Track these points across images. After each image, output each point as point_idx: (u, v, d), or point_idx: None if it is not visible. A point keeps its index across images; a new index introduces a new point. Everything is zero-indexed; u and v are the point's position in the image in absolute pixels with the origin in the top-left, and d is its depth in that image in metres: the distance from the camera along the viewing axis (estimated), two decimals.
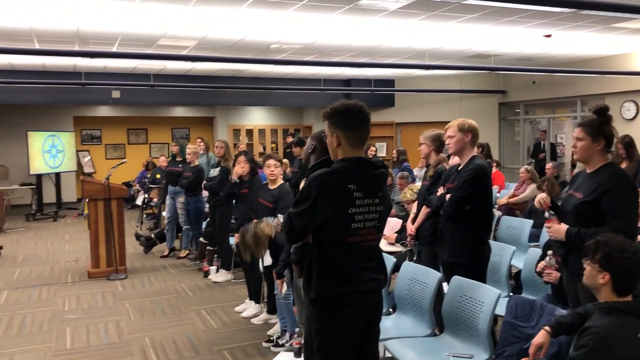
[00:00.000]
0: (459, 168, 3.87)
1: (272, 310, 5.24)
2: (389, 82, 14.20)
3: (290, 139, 12.71)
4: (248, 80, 13.23)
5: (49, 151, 12.74)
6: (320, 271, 2.44)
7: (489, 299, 3.30)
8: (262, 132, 16.35)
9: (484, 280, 3.72)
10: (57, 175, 13.23)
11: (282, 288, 4.29)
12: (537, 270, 3.47)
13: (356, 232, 2.45)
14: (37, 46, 8.49)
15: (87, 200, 7.13)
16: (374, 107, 13.94)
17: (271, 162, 5.40)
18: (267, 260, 4.91)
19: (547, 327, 2.62)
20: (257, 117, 16.38)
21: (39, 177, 12.47)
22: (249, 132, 16.25)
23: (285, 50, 9.51)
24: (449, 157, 4.35)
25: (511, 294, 4.38)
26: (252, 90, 13.46)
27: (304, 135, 14.71)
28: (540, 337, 2.60)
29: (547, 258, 3.28)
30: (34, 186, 12.56)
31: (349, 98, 14.06)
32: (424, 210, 4.30)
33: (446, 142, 3.96)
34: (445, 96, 13.95)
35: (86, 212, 7.21)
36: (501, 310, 3.41)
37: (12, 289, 6.54)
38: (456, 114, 11.84)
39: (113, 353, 4.59)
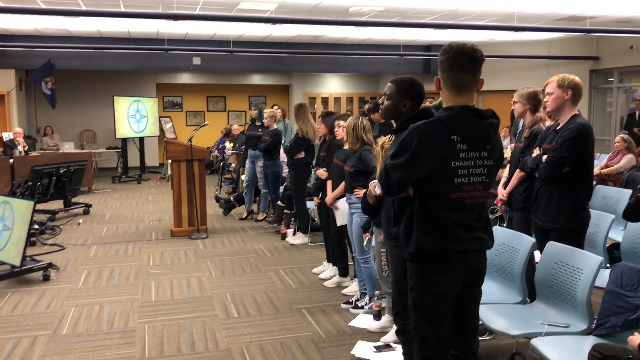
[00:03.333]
0: (558, 127, 3.61)
1: (343, 272, 5.22)
2: None
3: (367, 107, 12.51)
4: (325, 46, 13.07)
5: (134, 116, 13.21)
6: (421, 226, 2.29)
7: (589, 266, 3.08)
8: (337, 100, 16.23)
9: (581, 248, 3.48)
10: (141, 139, 13.73)
11: (365, 242, 4.24)
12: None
13: (459, 187, 2.27)
14: (122, 10, 8.71)
15: (170, 161, 7.31)
16: None
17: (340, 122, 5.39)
18: (340, 219, 4.84)
19: None
20: (333, 85, 16.26)
21: (124, 141, 12.98)
22: (325, 100, 16.17)
23: (365, 13, 9.27)
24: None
25: (608, 265, 4.10)
26: (328, 57, 13.31)
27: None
28: None
29: None
30: (120, 149, 13.09)
31: (428, 64, 13.48)
32: (518, 173, 4.04)
33: (544, 100, 3.69)
34: (530, 63, 13.23)
35: (169, 173, 7.40)
36: (598, 281, 3.17)
37: (100, 244, 6.85)
38: (542, 82, 11.21)
39: (196, 306, 4.69)
